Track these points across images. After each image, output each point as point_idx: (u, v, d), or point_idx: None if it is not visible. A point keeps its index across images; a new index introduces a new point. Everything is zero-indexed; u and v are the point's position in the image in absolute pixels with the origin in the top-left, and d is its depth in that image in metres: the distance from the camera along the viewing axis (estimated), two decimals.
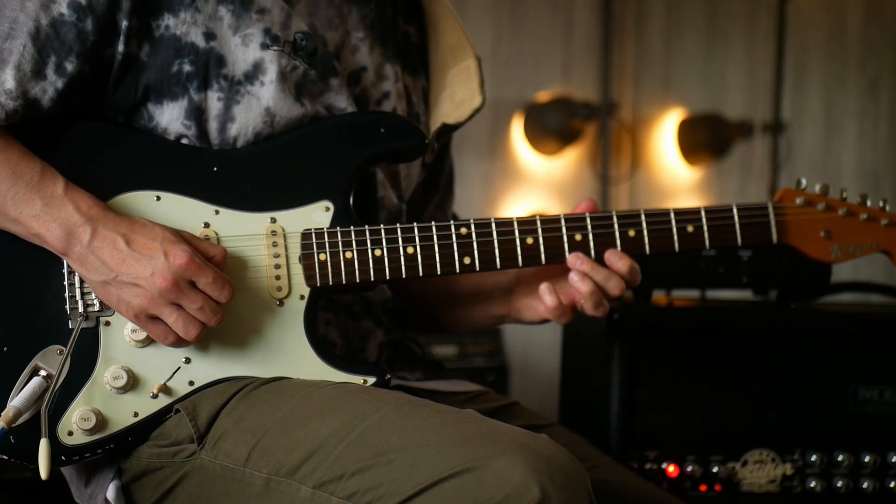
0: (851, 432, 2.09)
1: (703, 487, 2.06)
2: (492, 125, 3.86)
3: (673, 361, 2.08)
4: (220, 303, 1.46)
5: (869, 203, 1.71)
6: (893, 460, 2.09)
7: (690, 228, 1.63)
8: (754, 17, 4.09)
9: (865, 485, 2.08)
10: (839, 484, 2.07)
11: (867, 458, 2.08)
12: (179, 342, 1.48)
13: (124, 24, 1.50)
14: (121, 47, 1.51)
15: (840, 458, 2.07)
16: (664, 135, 4.02)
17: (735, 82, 4.11)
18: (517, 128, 3.88)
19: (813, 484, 2.07)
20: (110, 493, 1.54)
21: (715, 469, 2.05)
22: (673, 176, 4.02)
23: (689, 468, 2.05)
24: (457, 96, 1.73)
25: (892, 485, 2.08)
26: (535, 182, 3.89)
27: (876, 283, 2.51)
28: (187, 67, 1.52)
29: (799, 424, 2.09)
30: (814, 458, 2.07)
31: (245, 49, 1.54)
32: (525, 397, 2.62)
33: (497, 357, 3.35)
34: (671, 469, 2.05)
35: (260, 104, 1.55)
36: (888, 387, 2.10)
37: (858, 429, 2.09)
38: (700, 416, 2.07)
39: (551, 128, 3.82)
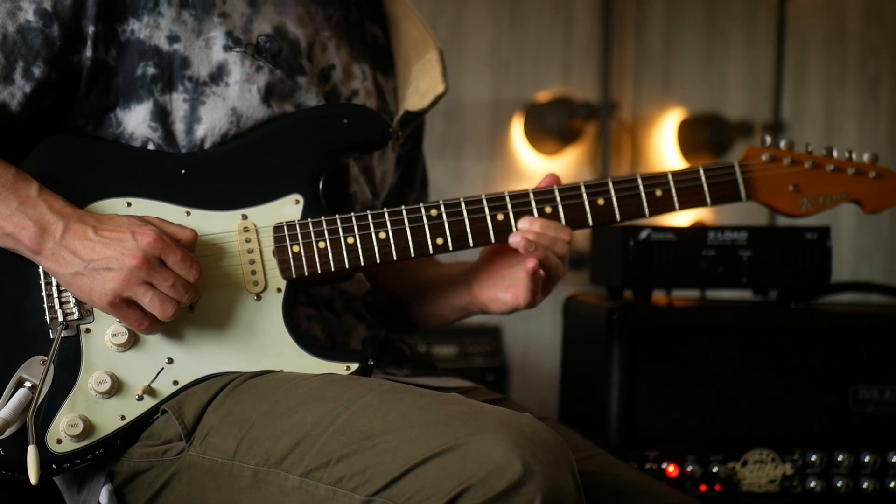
0: (851, 432, 2.09)
1: (703, 487, 2.06)
2: (492, 125, 3.86)
3: (673, 361, 2.08)
4: (190, 282, 1.47)
5: (835, 154, 1.72)
6: (893, 460, 2.09)
7: (659, 193, 1.65)
8: (754, 17, 4.09)
9: (865, 485, 2.08)
10: (839, 484, 2.07)
11: (867, 458, 2.08)
12: (154, 326, 1.49)
13: (90, 29, 1.53)
14: (88, 52, 1.54)
15: (840, 458, 2.07)
16: (664, 135, 4.02)
17: (735, 82, 4.10)
18: (517, 128, 3.88)
19: (813, 484, 2.07)
20: (103, 497, 1.54)
21: (715, 469, 2.05)
22: None
23: (689, 468, 2.05)
24: (421, 88, 1.75)
25: (892, 485, 2.08)
26: (536, 182, 3.87)
27: (876, 283, 2.52)
28: (151, 70, 1.55)
29: (799, 424, 2.09)
30: (814, 458, 2.07)
31: (209, 51, 1.56)
32: (525, 397, 2.61)
33: (497, 357, 3.35)
34: (671, 469, 2.05)
35: (226, 104, 1.56)
36: (888, 387, 2.10)
37: (858, 429, 2.09)
38: (700, 416, 2.07)
39: (551, 128, 3.82)
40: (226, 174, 1.57)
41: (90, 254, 1.46)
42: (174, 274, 1.46)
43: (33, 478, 1.44)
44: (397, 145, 1.75)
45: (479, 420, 1.33)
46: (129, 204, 1.54)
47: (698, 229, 2.14)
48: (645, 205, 1.65)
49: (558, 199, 1.64)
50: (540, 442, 1.31)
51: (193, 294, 1.48)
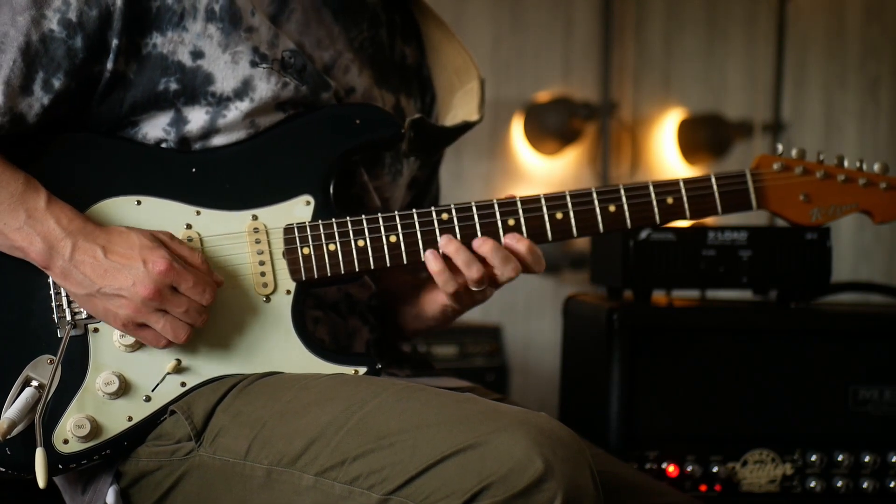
0: (851, 432, 2.09)
1: (703, 487, 2.05)
2: (492, 125, 3.86)
3: (673, 361, 2.08)
4: (204, 305, 1.47)
5: (846, 164, 1.72)
6: (893, 460, 2.09)
7: (670, 200, 1.65)
8: (754, 17, 4.09)
9: (865, 485, 2.08)
10: (839, 484, 2.07)
11: (867, 458, 2.08)
12: (171, 344, 1.49)
13: (114, 42, 1.51)
14: (109, 65, 1.52)
15: (840, 458, 2.07)
16: (664, 135, 4.02)
17: (735, 82, 4.11)
18: (517, 128, 3.88)
19: (813, 484, 2.07)
20: (110, 497, 1.54)
21: (715, 469, 2.05)
22: (673, 176, 4.02)
23: (689, 468, 2.05)
24: (458, 117, 1.75)
25: (892, 485, 2.08)
26: (535, 182, 3.89)
27: (876, 283, 2.51)
28: (174, 86, 1.54)
29: (799, 424, 2.09)
30: (814, 458, 2.07)
31: (235, 66, 1.55)
32: (525, 397, 2.61)
33: (497, 357, 3.35)
34: (671, 469, 2.05)
35: (247, 119, 1.55)
36: (888, 387, 2.10)
37: (858, 429, 2.09)
38: (700, 416, 2.07)
39: (551, 128, 3.83)
40: (236, 174, 1.56)
41: (101, 278, 1.45)
42: (187, 299, 1.46)
43: (41, 481, 1.44)
44: (407, 146, 1.73)
45: (498, 418, 1.34)
46: (139, 202, 1.53)
47: (698, 229, 2.14)
48: (656, 212, 1.64)
49: (570, 204, 1.63)
50: (559, 440, 1.32)
51: (207, 316, 1.48)
